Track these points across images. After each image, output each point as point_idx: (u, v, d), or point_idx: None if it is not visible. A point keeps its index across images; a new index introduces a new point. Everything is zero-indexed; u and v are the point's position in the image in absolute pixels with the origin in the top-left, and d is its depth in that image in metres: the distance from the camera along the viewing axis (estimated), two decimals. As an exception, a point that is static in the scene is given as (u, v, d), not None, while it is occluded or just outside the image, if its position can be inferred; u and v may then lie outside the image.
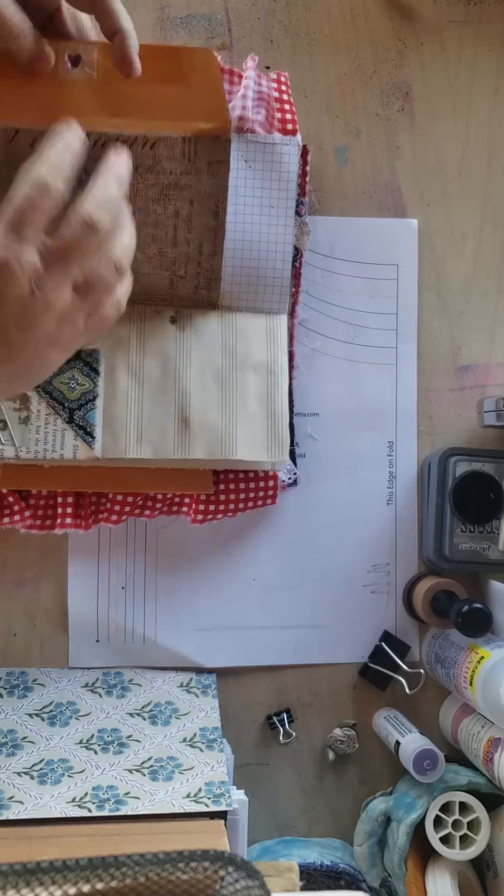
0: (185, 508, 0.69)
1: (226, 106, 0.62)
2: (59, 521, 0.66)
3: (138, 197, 0.63)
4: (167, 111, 0.61)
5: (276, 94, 0.67)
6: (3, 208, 0.46)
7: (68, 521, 0.66)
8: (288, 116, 0.67)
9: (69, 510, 0.66)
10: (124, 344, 0.66)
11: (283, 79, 0.68)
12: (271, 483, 0.69)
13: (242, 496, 0.68)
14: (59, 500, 0.66)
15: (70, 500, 0.67)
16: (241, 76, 0.67)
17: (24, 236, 0.46)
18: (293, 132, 0.66)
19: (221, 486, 0.68)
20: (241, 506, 0.69)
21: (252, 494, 0.69)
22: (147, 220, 0.64)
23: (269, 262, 0.67)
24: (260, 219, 0.67)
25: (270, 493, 0.69)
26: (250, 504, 0.69)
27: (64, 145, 0.48)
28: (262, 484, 0.69)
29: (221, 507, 0.68)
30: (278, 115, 0.66)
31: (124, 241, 0.51)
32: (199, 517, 0.68)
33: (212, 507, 0.68)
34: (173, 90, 0.60)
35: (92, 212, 0.47)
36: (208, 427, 0.66)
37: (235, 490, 0.68)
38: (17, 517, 0.66)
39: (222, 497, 0.68)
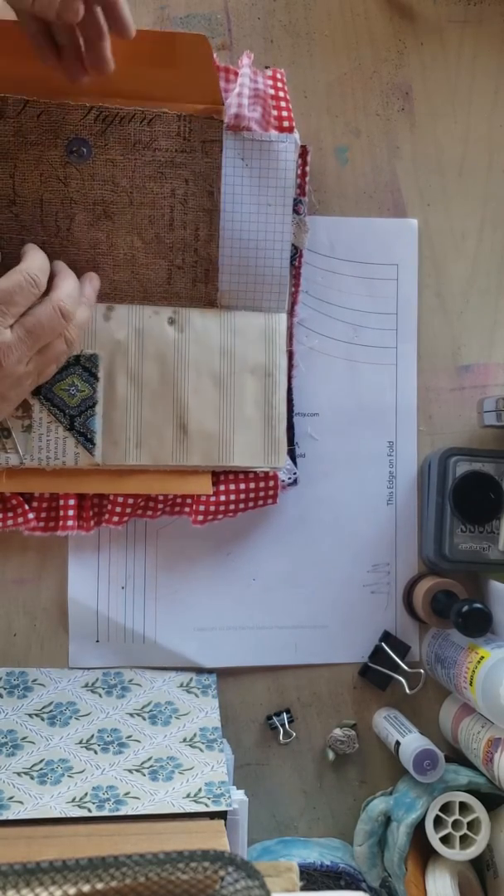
0: (186, 509, 0.69)
1: (218, 87, 0.65)
2: (62, 523, 0.66)
3: (135, 174, 0.64)
4: (162, 91, 0.64)
5: (272, 92, 0.67)
6: None
7: (70, 523, 0.66)
8: (284, 114, 0.67)
9: (72, 512, 0.67)
10: (122, 347, 0.66)
11: (279, 76, 0.68)
12: (272, 483, 0.69)
13: (243, 496, 0.68)
14: (62, 502, 0.67)
15: (72, 502, 0.67)
16: (237, 73, 0.67)
17: (4, 314, 0.56)
18: (290, 129, 0.67)
19: (222, 487, 0.68)
20: (241, 506, 0.69)
21: (253, 494, 0.69)
22: (144, 199, 0.65)
23: (267, 260, 0.67)
24: (257, 216, 0.67)
25: (271, 492, 0.69)
26: (251, 504, 0.69)
27: (43, 258, 0.60)
28: (262, 484, 0.69)
29: (222, 508, 0.68)
30: (274, 112, 0.67)
31: (79, 318, 0.61)
32: (201, 518, 0.68)
33: (213, 508, 0.68)
34: (168, 72, 0.63)
35: (63, 300, 0.58)
36: (205, 433, 0.66)
37: (236, 490, 0.68)
38: (20, 519, 0.66)
39: (223, 497, 0.68)
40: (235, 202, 0.66)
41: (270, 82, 0.68)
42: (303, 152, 0.70)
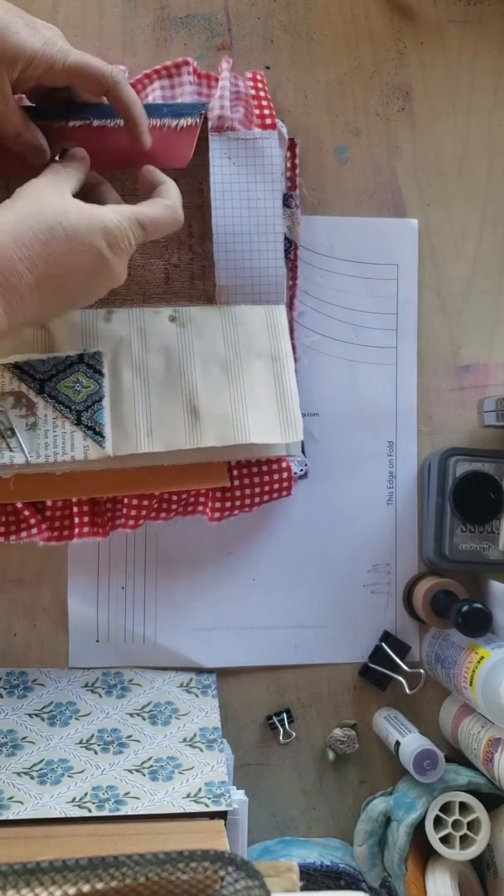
0: (200, 507, 0.68)
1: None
2: (76, 530, 0.66)
3: (125, 172, 0.64)
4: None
5: (252, 92, 0.69)
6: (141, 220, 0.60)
7: (85, 529, 0.66)
8: (266, 112, 0.68)
9: (85, 519, 0.66)
10: (126, 344, 0.66)
11: (258, 76, 0.70)
12: (285, 474, 0.68)
13: (258, 489, 0.68)
14: (75, 509, 0.66)
15: (86, 508, 0.66)
16: (217, 79, 0.69)
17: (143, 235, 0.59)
18: (272, 126, 0.68)
19: (236, 482, 0.68)
20: (256, 500, 0.68)
21: (267, 487, 0.68)
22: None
23: (261, 253, 0.68)
24: (248, 212, 0.67)
25: (285, 484, 0.69)
26: (266, 497, 0.68)
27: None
28: (276, 476, 0.68)
29: (237, 503, 0.68)
30: (256, 111, 0.68)
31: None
32: (217, 514, 0.68)
33: (228, 504, 0.67)
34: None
35: (176, 204, 0.61)
36: (218, 414, 0.65)
37: (250, 484, 0.68)
38: (34, 531, 0.66)
39: (237, 493, 0.68)
40: (226, 199, 0.67)
41: (251, 83, 0.69)
42: (291, 145, 0.70)
